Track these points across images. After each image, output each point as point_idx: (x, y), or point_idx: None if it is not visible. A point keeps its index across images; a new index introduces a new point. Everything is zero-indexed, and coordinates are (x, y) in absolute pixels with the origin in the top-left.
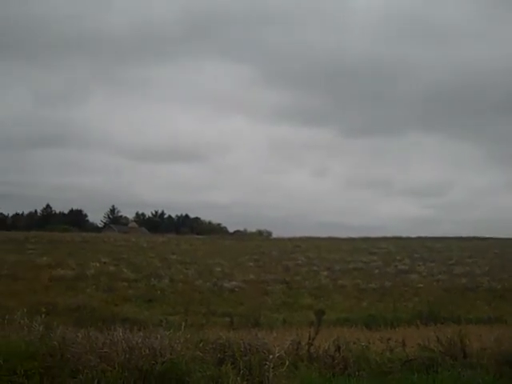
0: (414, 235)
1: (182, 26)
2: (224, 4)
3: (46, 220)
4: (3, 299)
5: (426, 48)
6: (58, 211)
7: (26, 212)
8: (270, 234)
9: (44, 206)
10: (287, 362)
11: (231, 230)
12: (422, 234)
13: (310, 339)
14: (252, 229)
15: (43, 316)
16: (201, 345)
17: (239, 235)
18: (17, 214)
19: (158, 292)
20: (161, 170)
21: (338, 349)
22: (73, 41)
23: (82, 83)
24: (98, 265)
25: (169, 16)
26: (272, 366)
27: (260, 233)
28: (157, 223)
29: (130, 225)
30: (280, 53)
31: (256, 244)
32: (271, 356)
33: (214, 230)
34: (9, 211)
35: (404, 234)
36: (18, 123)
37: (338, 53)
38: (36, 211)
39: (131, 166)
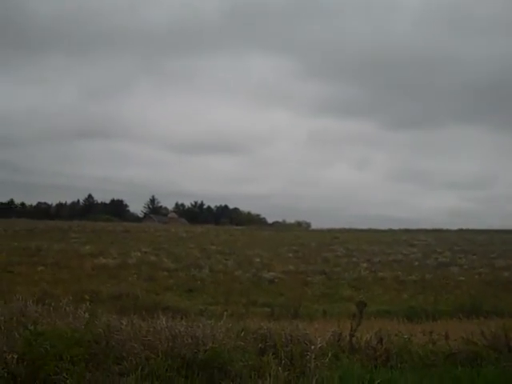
0: (454, 228)
1: (225, 19)
2: None
3: (88, 210)
4: (49, 287)
5: (467, 39)
6: (99, 201)
7: (68, 202)
8: (308, 225)
9: (86, 196)
10: (329, 354)
11: (270, 220)
12: (463, 227)
13: (351, 330)
14: (291, 220)
15: (87, 304)
16: (242, 334)
17: (278, 226)
18: (60, 204)
19: (198, 282)
20: (201, 162)
21: (381, 340)
22: (118, 35)
23: (127, 76)
24: (139, 254)
25: (212, 8)
26: (313, 356)
27: (299, 224)
28: (196, 214)
29: (169, 215)
30: (321, 44)
31: (295, 235)
32: (313, 347)
33: (252, 221)
34: (53, 200)
35: (444, 227)
36: (66, 115)
37: (380, 44)
38: (79, 201)
39: (172, 157)
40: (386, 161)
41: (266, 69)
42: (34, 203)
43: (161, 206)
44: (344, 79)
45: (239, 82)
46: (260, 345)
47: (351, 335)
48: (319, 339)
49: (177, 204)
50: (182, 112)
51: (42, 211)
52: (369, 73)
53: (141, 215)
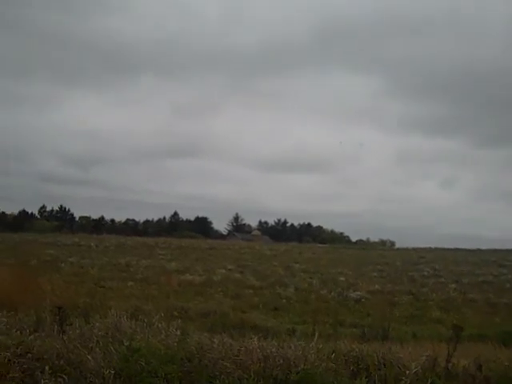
0: None
1: (312, 37)
2: (349, 15)
3: (173, 227)
4: (140, 302)
5: None
6: (184, 218)
7: (155, 219)
8: (393, 243)
9: (172, 213)
10: (429, 380)
11: (353, 239)
12: None
13: (448, 355)
14: (374, 238)
15: (177, 320)
16: (333, 356)
17: (362, 244)
18: (147, 221)
19: (284, 300)
20: (285, 180)
21: (479, 367)
22: (208, 56)
23: (216, 96)
24: (224, 271)
25: (299, 28)
26: (409, 382)
27: (383, 242)
28: (279, 231)
29: (253, 233)
30: (409, 61)
31: (379, 254)
32: (407, 372)
33: (336, 239)
34: (140, 217)
35: None
36: (156, 135)
37: (469, 60)
38: (165, 218)
39: (257, 175)
40: (475, 179)
41: (353, 86)
42: (123, 220)
43: (244, 224)
44: (432, 96)
45: (326, 101)
46: (352, 367)
47: (448, 361)
48: (414, 363)
49: (260, 222)
50: (268, 130)
51: (130, 227)
52: (458, 89)
53: (224, 232)
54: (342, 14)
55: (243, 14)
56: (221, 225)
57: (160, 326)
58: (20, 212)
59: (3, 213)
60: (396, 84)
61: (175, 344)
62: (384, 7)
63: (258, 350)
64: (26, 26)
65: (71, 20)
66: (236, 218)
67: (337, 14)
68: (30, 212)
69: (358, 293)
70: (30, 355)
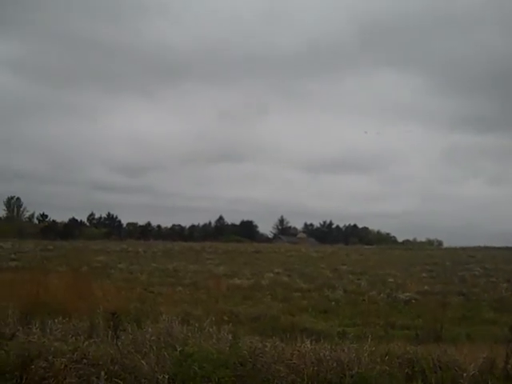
0: None
1: (356, 37)
2: (391, 13)
3: (218, 231)
4: (189, 307)
5: None
6: (229, 222)
7: (201, 223)
8: (440, 243)
9: (217, 217)
10: (488, 382)
11: (400, 239)
12: None
13: (507, 357)
14: (421, 238)
15: (227, 324)
16: (386, 358)
17: (409, 245)
18: (193, 226)
19: (332, 303)
20: (330, 181)
21: None
22: (250, 59)
23: (259, 100)
24: (271, 275)
25: (337, 29)
26: None
27: (430, 242)
28: (325, 233)
29: (298, 235)
30: (456, 59)
31: (427, 254)
32: (464, 374)
33: (382, 240)
34: (186, 222)
35: None
36: (201, 140)
37: None
38: (210, 222)
39: (301, 177)
40: None
41: (398, 85)
42: (169, 225)
43: (290, 227)
44: (480, 93)
45: (370, 100)
46: (407, 370)
47: (506, 362)
48: (471, 366)
49: (305, 224)
50: (312, 132)
51: (177, 233)
52: (505, 86)
53: (270, 235)
54: (384, 12)
55: (284, 16)
56: (266, 228)
57: (211, 330)
58: (70, 220)
59: (54, 221)
60: (442, 82)
61: (227, 348)
62: (426, 4)
63: (311, 354)
64: (74, 36)
65: (116, 29)
66: (281, 221)
67: (378, 12)
68: (79, 220)
69: (408, 294)
70: (85, 361)
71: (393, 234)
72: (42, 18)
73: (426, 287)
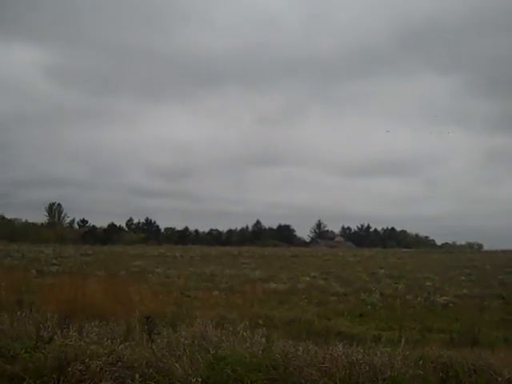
0: None
1: (389, 41)
2: (433, 13)
3: (256, 235)
4: (225, 311)
5: None
6: (267, 227)
7: (238, 228)
8: (480, 246)
9: (254, 221)
10: None
11: (439, 242)
12: None
13: None
14: (461, 241)
15: (261, 328)
16: (420, 363)
17: (448, 248)
18: (230, 230)
19: (369, 307)
20: (368, 184)
21: None
22: (288, 64)
23: (297, 104)
24: (307, 279)
25: (376, 32)
26: None
27: (470, 245)
28: (362, 237)
29: (336, 239)
30: (495, 59)
31: (466, 257)
32: (499, 378)
33: (421, 243)
34: (223, 227)
35: None
36: (241, 144)
37: None
38: (247, 227)
39: (339, 181)
40: None
41: (437, 87)
42: (207, 230)
43: (327, 230)
44: None
45: (409, 103)
46: (441, 374)
47: None
48: (506, 370)
49: (343, 227)
50: (352, 136)
51: (214, 237)
52: None
53: (307, 239)
54: (423, 13)
55: (322, 20)
56: (304, 232)
57: (245, 334)
58: (109, 225)
59: (94, 226)
60: (482, 82)
61: (260, 352)
62: (466, 5)
63: (344, 357)
64: (114, 44)
65: (157, 36)
66: (318, 225)
67: (417, 13)
68: (118, 225)
69: (446, 297)
70: (120, 364)
71: (431, 237)
72: (83, 26)
73: (464, 291)
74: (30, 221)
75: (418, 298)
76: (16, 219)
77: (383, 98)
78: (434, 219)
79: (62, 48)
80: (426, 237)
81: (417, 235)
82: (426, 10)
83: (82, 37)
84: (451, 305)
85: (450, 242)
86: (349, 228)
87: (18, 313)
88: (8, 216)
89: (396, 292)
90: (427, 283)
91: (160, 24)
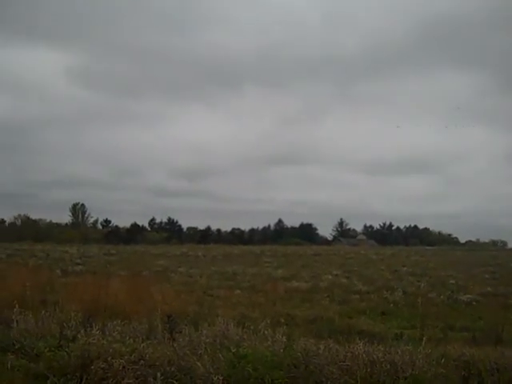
0: None
1: (410, 39)
2: (456, 11)
3: (278, 234)
4: (246, 310)
5: None
6: (289, 225)
7: (260, 227)
8: (504, 243)
9: (276, 220)
10: None
11: (462, 240)
12: None
13: None
14: (485, 239)
15: (283, 327)
16: (442, 361)
17: (471, 245)
18: (252, 229)
19: (391, 305)
20: (390, 182)
21: None
22: (310, 64)
23: (319, 103)
24: (330, 277)
25: (396, 30)
26: None
27: (494, 243)
28: (385, 235)
29: (358, 237)
30: None
31: (490, 255)
32: None
33: (444, 241)
34: (245, 226)
35: None
36: (261, 144)
37: None
38: (269, 226)
39: (361, 179)
40: None
41: (459, 85)
42: (229, 229)
43: (349, 229)
44: None
45: (430, 100)
46: (463, 373)
47: None
48: None
49: (365, 226)
50: (373, 134)
51: (236, 236)
52: None
53: (330, 238)
54: (446, 11)
55: (342, 19)
56: (326, 230)
57: (266, 332)
58: (132, 225)
59: (117, 226)
60: (505, 80)
61: (281, 350)
62: (489, 2)
63: (364, 356)
64: (135, 46)
65: (175, 37)
66: (341, 223)
67: (440, 11)
68: (141, 225)
69: (469, 295)
70: (142, 362)
71: (455, 235)
72: (104, 29)
73: (488, 289)
74: (54, 221)
75: (441, 296)
76: (41, 220)
77: (404, 96)
78: (457, 217)
79: (85, 51)
80: (449, 234)
81: (440, 233)
82: (450, 7)
83: (104, 39)
84: (474, 303)
85: (474, 239)
86: (371, 226)
87: (43, 312)
88: (33, 217)
89: (419, 290)
90: (450, 281)
91: (181, 25)
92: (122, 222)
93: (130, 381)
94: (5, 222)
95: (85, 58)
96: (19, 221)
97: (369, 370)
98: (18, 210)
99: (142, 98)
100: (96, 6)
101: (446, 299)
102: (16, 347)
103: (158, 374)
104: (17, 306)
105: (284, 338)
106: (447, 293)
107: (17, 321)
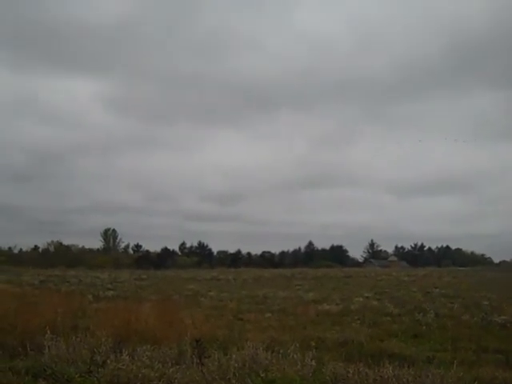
0: None
1: (442, 58)
2: (487, 31)
3: (308, 256)
4: (276, 333)
5: None
6: (319, 248)
7: (290, 250)
8: None
9: (307, 243)
10: None
11: (496, 260)
12: None
13: None
14: None
15: (313, 350)
16: None
17: (506, 266)
18: (283, 252)
19: (423, 327)
20: (421, 203)
21: None
22: (340, 86)
23: (351, 125)
24: (361, 299)
25: (427, 50)
26: None
27: None
28: (416, 256)
29: (389, 259)
30: None
31: None
32: None
33: (477, 261)
34: (276, 249)
35: None
36: (293, 167)
37: None
38: (300, 248)
39: (392, 200)
40: None
41: (490, 103)
42: (259, 252)
43: (380, 250)
44: None
45: (462, 120)
46: None
47: None
48: None
49: (396, 247)
50: (404, 155)
51: (267, 260)
52: None
53: (360, 260)
54: (474, 29)
55: (371, 41)
56: (357, 252)
57: (295, 356)
58: (162, 249)
59: (147, 251)
60: None
61: (310, 374)
62: None
63: (394, 379)
64: (165, 72)
65: (206, 62)
66: (372, 245)
67: (468, 30)
68: (171, 249)
69: (504, 317)
70: None
71: (488, 255)
72: (139, 58)
73: None
74: (86, 247)
75: (475, 318)
76: (73, 245)
77: (438, 116)
78: (490, 237)
79: (120, 79)
80: (483, 255)
81: (472, 253)
82: (481, 28)
83: (138, 67)
84: (509, 325)
85: (508, 259)
86: (402, 247)
87: (74, 338)
88: (65, 242)
89: (451, 312)
90: (484, 302)
91: (212, 51)
92: (153, 246)
93: None
94: (38, 248)
95: (120, 86)
96: (52, 247)
97: None
98: (52, 237)
99: (175, 123)
100: (129, 35)
101: (479, 321)
102: (47, 373)
103: None
104: (48, 331)
105: (313, 361)
106: (481, 314)
107: (48, 346)
